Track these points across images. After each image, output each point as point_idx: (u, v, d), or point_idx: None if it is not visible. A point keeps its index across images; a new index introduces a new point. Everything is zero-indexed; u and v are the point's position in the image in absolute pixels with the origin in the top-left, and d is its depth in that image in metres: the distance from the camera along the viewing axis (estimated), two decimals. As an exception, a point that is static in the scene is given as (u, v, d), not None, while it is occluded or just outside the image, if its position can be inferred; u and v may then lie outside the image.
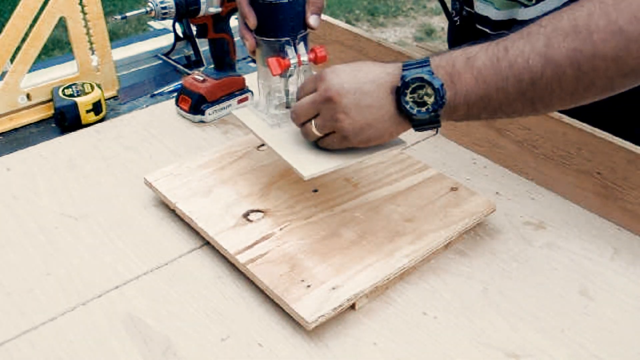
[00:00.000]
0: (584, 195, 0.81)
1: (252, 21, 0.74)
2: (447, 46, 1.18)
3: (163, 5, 0.98)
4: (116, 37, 3.24)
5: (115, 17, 1.04)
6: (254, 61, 1.20)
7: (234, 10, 1.02)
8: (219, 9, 1.00)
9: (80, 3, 1.00)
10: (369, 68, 0.67)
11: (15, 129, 1.01)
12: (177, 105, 1.01)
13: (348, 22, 3.56)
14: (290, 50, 0.74)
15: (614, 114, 0.81)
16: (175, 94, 1.04)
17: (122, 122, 1.01)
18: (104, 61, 1.07)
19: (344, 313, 0.66)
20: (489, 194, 0.83)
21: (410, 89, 0.63)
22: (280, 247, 0.71)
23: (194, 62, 1.22)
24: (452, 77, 0.63)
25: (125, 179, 0.87)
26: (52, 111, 1.02)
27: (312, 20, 0.73)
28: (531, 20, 0.84)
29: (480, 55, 0.62)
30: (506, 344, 0.63)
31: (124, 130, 0.98)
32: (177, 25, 1.20)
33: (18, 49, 0.97)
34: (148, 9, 1.01)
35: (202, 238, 0.75)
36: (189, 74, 1.09)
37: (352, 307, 0.67)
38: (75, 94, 1.00)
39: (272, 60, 0.73)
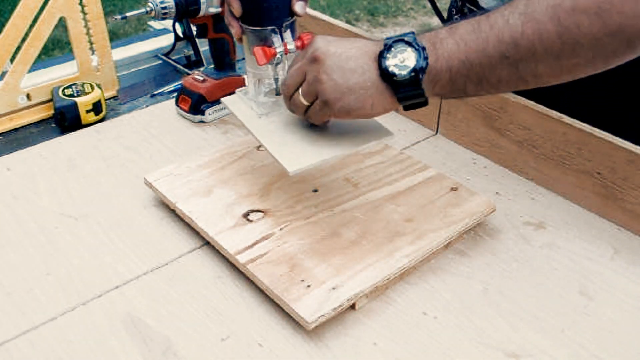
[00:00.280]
0: (584, 195, 0.81)
1: (237, 9, 0.72)
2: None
3: (163, 5, 0.98)
4: (116, 37, 3.24)
5: (115, 17, 1.04)
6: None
7: (234, 10, 1.02)
8: (219, 9, 1.00)
9: (80, 3, 1.00)
10: (357, 39, 0.68)
11: (15, 129, 1.01)
12: (177, 105, 1.01)
13: (348, 22, 3.56)
14: (276, 39, 0.73)
15: (614, 114, 0.81)
16: (175, 94, 1.04)
17: (122, 122, 1.01)
18: (104, 61, 1.07)
19: (344, 313, 0.66)
20: (489, 194, 0.83)
21: (391, 52, 0.63)
22: (280, 247, 0.71)
23: (194, 62, 1.22)
24: (434, 44, 0.62)
25: (125, 179, 0.87)
26: (52, 111, 1.02)
27: (297, 7, 0.73)
28: None
29: (462, 23, 0.62)
30: (506, 344, 0.63)
31: (124, 130, 0.98)
32: (177, 25, 1.20)
33: (18, 49, 0.97)
34: (148, 9, 1.01)
35: (202, 238, 0.75)
36: (189, 74, 1.09)
37: (352, 307, 0.67)
38: (75, 94, 1.00)
39: (258, 50, 0.72)
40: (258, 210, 0.77)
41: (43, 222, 0.79)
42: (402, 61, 0.63)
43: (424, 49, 0.62)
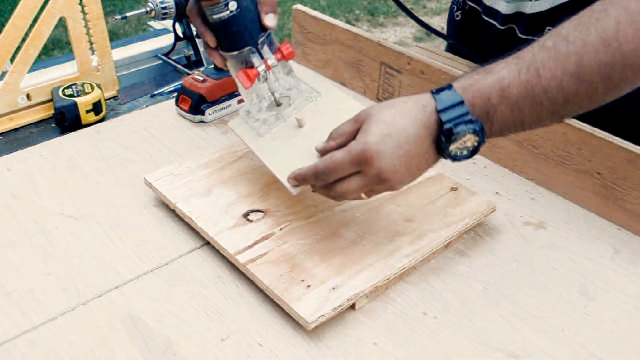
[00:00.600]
0: (584, 195, 0.81)
1: (211, 40, 0.73)
2: (446, 45, 1.18)
3: (163, 5, 0.98)
4: (116, 37, 3.24)
5: (115, 17, 1.04)
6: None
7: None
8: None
9: (80, 3, 1.00)
10: (405, 124, 0.62)
11: (15, 129, 1.01)
12: (177, 105, 1.01)
13: (348, 22, 3.56)
14: (256, 58, 0.73)
15: (614, 114, 0.81)
16: (175, 94, 1.04)
17: (122, 122, 1.01)
18: (104, 61, 1.07)
19: (344, 313, 0.66)
20: (489, 194, 0.83)
21: (452, 140, 0.62)
22: (280, 247, 0.71)
23: (194, 62, 1.22)
24: (488, 113, 0.61)
25: (125, 179, 0.87)
26: (52, 111, 1.02)
27: (267, 20, 0.72)
28: (539, 16, 0.83)
29: (513, 85, 0.60)
30: (506, 344, 0.63)
31: (124, 130, 0.98)
32: (177, 25, 1.20)
33: (18, 49, 0.97)
34: (148, 9, 1.01)
35: (202, 238, 0.75)
36: (189, 74, 1.09)
37: (352, 307, 0.67)
38: (75, 94, 1.00)
39: (240, 75, 0.73)
40: (258, 210, 0.77)
41: (43, 222, 0.79)
42: (463, 144, 0.62)
43: (482, 128, 0.61)
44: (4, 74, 1.00)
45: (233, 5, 0.69)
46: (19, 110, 1.02)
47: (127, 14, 1.07)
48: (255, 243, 0.72)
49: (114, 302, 0.68)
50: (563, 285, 0.70)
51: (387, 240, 0.72)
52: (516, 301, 0.68)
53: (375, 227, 0.74)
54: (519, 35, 0.90)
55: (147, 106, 1.06)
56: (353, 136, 0.64)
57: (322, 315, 0.63)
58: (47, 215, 0.80)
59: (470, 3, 0.97)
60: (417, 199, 0.78)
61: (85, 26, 1.02)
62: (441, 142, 0.62)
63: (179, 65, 1.21)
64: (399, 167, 0.62)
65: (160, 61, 1.25)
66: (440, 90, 0.62)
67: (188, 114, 1.00)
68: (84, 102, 0.99)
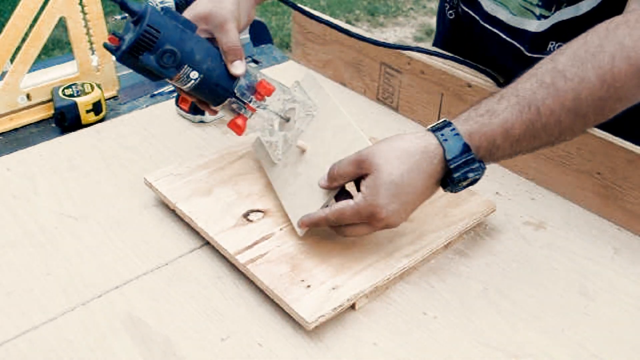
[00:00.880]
0: (584, 195, 0.81)
1: (187, 107, 0.85)
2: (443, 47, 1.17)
3: (163, 6, 0.98)
4: (116, 37, 3.22)
5: (115, 17, 1.04)
6: (254, 61, 1.20)
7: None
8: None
9: (80, 3, 1.00)
10: (414, 180, 0.64)
11: (15, 129, 1.01)
12: (177, 106, 1.01)
13: (348, 22, 3.56)
14: (238, 106, 0.75)
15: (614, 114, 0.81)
16: (175, 94, 1.04)
17: (122, 122, 1.01)
18: (104, 61, 1.07)
19: (344, 313, 0.66)
20: (489, 194, 0.83)
21: (456, 182, 0.65)
22: (280, 247, 0.71)
23: (194, 62, 1.21)
24: (491, 153, 0.65)
25: (125, 179, 0.87)
26: (52, 111, 1.02)
27: (234, 69, 0.74)
28: (543, 35, 0.84)
29: (516, 126, 0.63)
30: (506, 344, 0.63)
31: (124, 130, 0.98)
32: (177, 26, 1.20)
33: (18, 49, 0.97)
34: (148, 9, 1.00)
35: (202, 238, 0.75)
36: (189, 74, 1.09)
37: (352, 307, 0.67)
38: (75, 94, 1.00)
39: (231, 126, 0.76)
40: (258, 210, 0.77)
41: (43, 222, 0.79)
42: (466, 182, 0.65)
43: (484, 168, 0.65)
44: (4, 74, 1.00)
45: (194, 74, 0.72)
46: (19, 110, 1.02)
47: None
48: (255, 243, 0.72)
49: (113, 302, 0.68)
50: (563, 285, 0.70)
51: (387, 240, 0.72)
52: (516, 301, 0.68)
53: (375, 227, 0.74)
54: (526, 53, 0.88)
55: (147, 106, 1.06)
56: (355, 178, 0.67)
57: (322, 316, 0.63)
58: (47, 215, 0.80)
59: (465, 8, 0.96)
60: (417, 199, 0.78)
61: (85, 26, 1.02)
62: (447, 184, 0.66)
63: (179, 65, 1.21)
64: (405, 215, 0.66)
65: (160, 61, 1.25)
66: (444, 132, 0.64)
67: (188, 114, 1.00)
68: (84, 102, 0.99)
